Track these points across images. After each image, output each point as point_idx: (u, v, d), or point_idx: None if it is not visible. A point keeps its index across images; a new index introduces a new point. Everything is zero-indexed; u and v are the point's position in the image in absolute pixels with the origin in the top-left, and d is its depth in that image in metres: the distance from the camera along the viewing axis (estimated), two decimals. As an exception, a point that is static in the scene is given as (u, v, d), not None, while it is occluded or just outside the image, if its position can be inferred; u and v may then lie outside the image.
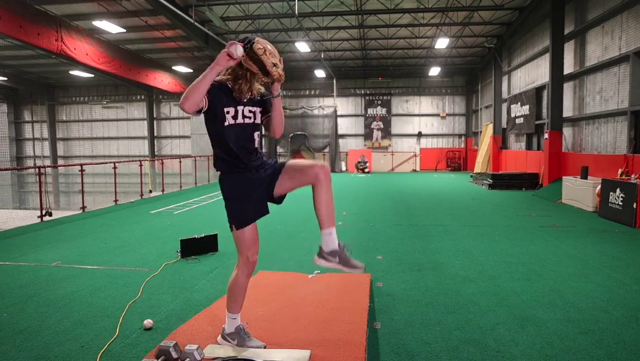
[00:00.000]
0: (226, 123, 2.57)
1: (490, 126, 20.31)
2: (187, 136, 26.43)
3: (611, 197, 8.51)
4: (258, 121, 2.68)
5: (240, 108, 2.60)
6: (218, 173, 2.71)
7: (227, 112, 2.57)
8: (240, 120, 2.61)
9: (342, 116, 26.55)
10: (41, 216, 9.20)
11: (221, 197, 2.71)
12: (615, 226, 7.83)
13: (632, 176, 8.79)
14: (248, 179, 2.64)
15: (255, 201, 2.66)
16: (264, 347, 2.79)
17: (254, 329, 3.03)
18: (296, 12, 14.91)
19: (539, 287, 4.48)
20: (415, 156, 26.24)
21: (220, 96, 2.55)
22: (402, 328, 3.52)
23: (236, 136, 2.59)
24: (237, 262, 2.74)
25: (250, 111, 2.63)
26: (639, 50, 9.76)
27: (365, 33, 18.93)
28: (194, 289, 4.51)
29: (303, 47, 18.48)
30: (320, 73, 24.09)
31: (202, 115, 2.55)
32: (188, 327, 3.16)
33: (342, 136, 26.65)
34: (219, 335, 2.90)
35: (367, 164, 24.47)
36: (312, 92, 26.82)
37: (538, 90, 15.40)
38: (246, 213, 2.65)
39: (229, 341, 2.82)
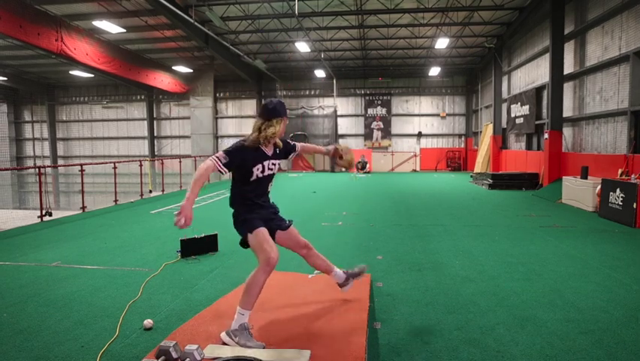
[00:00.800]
0: (252, 178, 2.98)
1: (490, 126, 20.30)
2: (187, 136, 26.41)
3: (611, 197, 8.51)
4: (277, 171, 3.13)
5: (266, 163, 3.01)
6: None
7: (258, 169, 2.97)
8: (266, 173, 3.03)
9: (342, 116, 26.54)
10: (41, 216, 9.20)
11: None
12: (615, 226, 7.83)
13: (632, 176, 8.79)
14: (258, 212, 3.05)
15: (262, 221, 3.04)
16: (264, 347, 2.80)
17: (254, 329, 3.03)
18: (296, 12, 14.91)
19: (539, 287, 4.48)
20: (415, 156, 26.23)
21: (249, 157, 2.93)
22: (402, 328, 3.52)
23: (256, 187, 3.02)
24: (259, 262, 2.89)
25: (273, 164, 3.06)
26: (639, 50, 9.76)
27: (365, 33, 18.93)
28: (194, 289, 4.51)
29: (303, 47, 18.47)
30: (320, 73, 24.07)
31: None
32: (188, 327, 3.16)
33: (342, 136, 26.62)
34: (224, 331, 2.93)
35: (367, 164, 24.46)
36: (312, 92, 26.81)
37: (538, 90, 15.39)
38: (255, 221, 2.98)
39: (232, 338, 2.84)
